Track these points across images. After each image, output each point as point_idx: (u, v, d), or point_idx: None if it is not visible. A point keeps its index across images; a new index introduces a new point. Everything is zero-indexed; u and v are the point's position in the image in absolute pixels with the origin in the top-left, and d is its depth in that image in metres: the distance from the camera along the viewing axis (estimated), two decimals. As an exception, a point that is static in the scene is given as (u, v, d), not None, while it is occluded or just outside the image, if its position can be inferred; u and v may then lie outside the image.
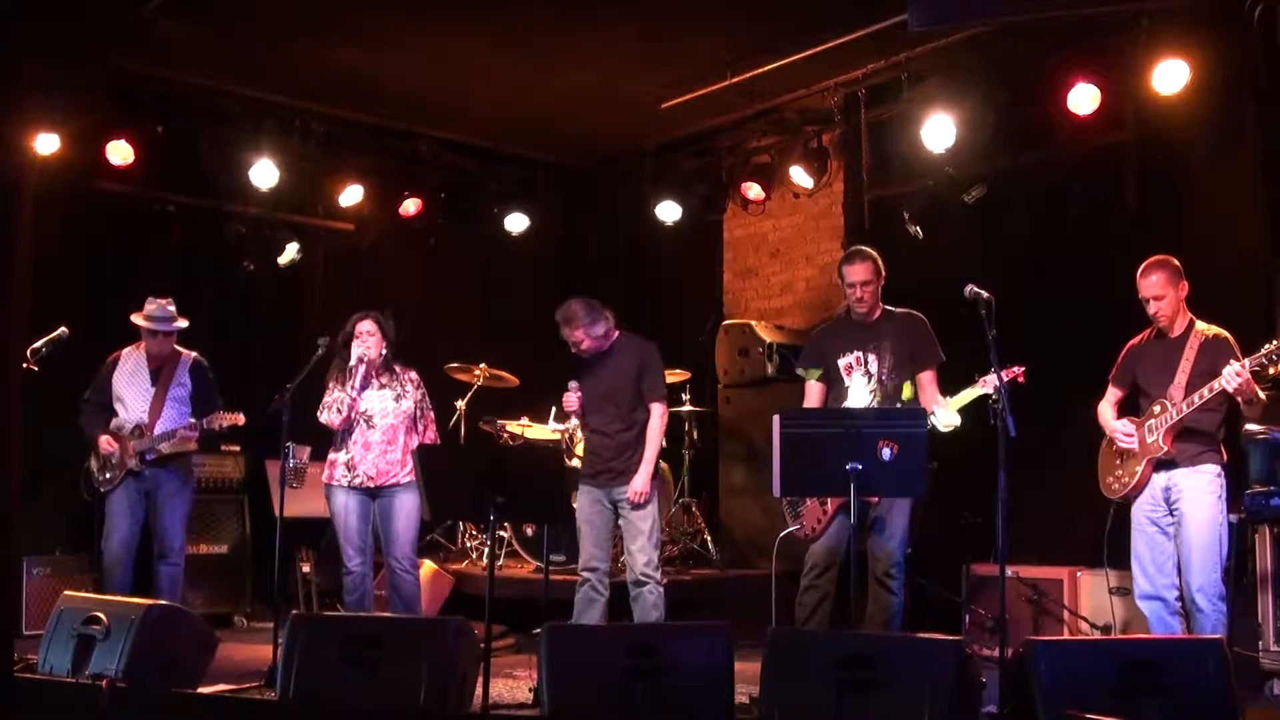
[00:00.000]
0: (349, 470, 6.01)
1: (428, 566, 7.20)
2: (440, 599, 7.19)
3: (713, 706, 4.14)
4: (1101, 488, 5.34)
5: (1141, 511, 5.17)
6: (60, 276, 7.23)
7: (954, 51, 7.06)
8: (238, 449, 7.83)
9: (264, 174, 7.84)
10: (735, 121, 8.50)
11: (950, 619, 6.44)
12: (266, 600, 7.28)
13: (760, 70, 7.40)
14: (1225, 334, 5.08)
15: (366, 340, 6.03)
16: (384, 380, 6.12)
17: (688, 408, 7.97)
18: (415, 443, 6.03)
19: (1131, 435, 5.18)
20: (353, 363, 6.02)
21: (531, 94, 8.03)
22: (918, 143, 7.04)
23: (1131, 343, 5.34)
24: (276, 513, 5.91)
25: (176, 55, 7.36)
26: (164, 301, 6.42)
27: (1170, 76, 6.16)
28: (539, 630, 4.31)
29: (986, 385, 4.99)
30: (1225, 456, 5.10)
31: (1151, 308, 5.11)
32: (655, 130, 8.76)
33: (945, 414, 5.20)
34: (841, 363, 5.48)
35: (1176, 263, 5.13)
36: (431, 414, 6.30)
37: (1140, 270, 5.15)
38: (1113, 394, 5.37)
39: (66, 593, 5.19)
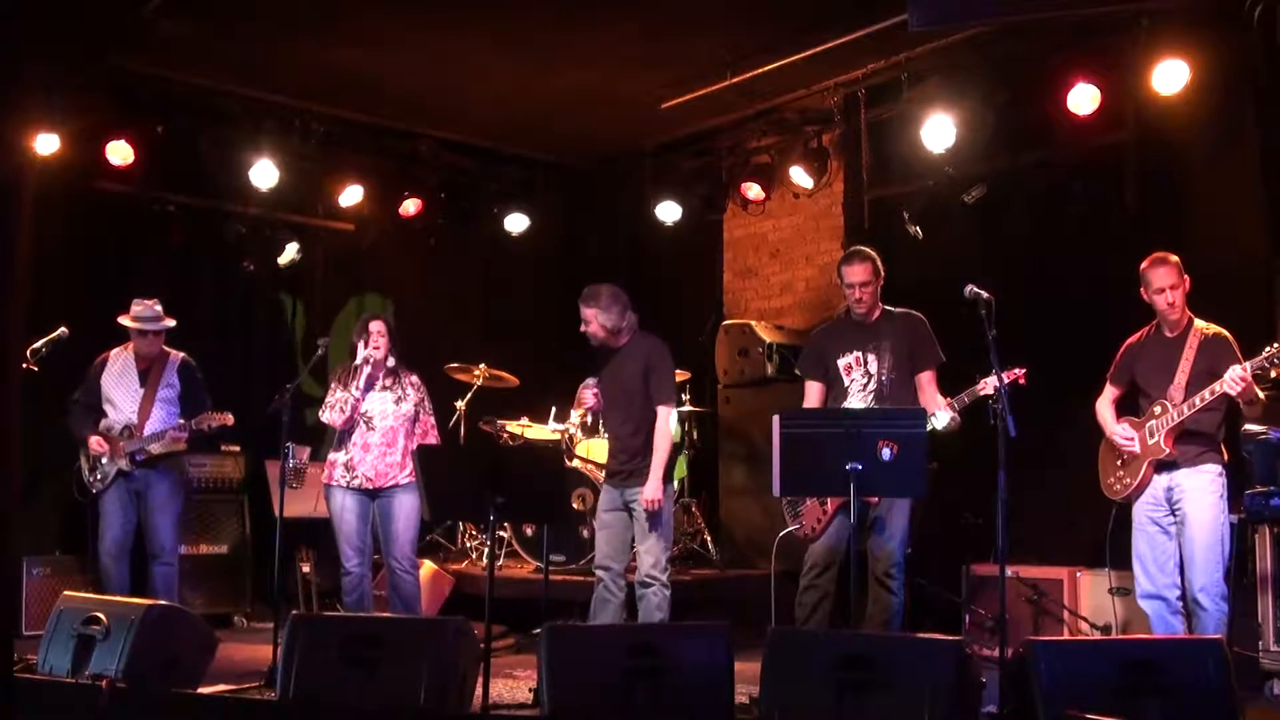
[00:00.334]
0: (348, 471, 6.01)
1: (428, 567, 7.20)
2: (440, 599, 7.19)
3: (713, 706, 4.13)
4: (1103, 488, 5.33)
5: (1143, 511, 5.16)
6: (60, 276, 7.21)
7: (954, 51, 7.05)
8: (238, 449, 7.82)
9: (264, 174, 7.83)
10: (735, 121, 8.50)
11: (950, 619, 6.43)
12: (266, 600, 7.28)
13: (760, 70, 7.39)
14: (1224, 333, 5.07)
15: (376, 340, 6.02)
16: (387, 383, 6.11)
17: (688, 408, 7.96)
18: (414, 445, 6.01)
19: (1132, 440, 5.17)
20: (358, 362, 6.02)
21: (531, 94, 8.03)
22: (918, 143, 7.04)
23: (1130, 340, 5.33)
24: (276, 513, 5.91)
25: (176, 55, 7.36)
26: (150, 302, 6.42)
27: (1170, 76, 6.16)
28: (539, 630, 4.31)
29: (987, 387, 4.99)
30: (1226, 456, 5.11)
31: (1168, 297, 5.05)
32: (655, 130, 8.76)
33: (945, 415, 5.20)
34: (841, 363, 5.47)
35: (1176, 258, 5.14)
36: (431, 418, 6.29)
37: (1148, 263, 5.11)
38: (1110, 392, 5.36)
39: (66, 593, 5.19)
